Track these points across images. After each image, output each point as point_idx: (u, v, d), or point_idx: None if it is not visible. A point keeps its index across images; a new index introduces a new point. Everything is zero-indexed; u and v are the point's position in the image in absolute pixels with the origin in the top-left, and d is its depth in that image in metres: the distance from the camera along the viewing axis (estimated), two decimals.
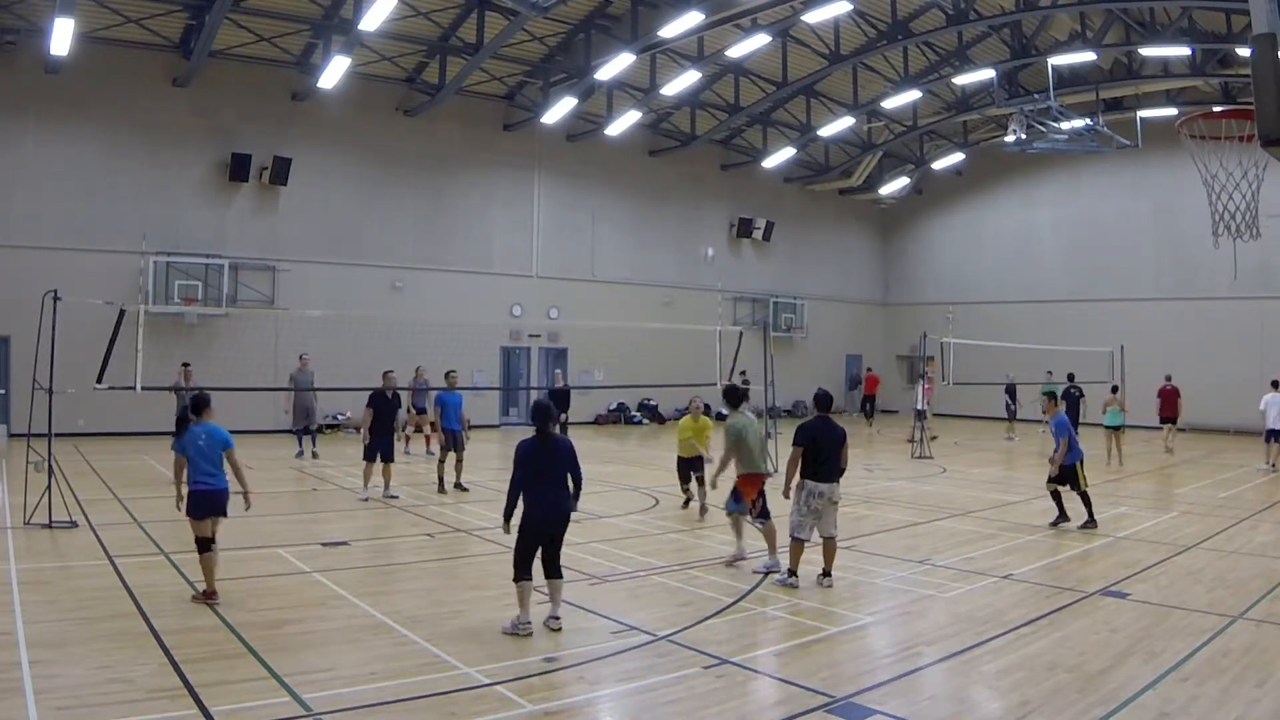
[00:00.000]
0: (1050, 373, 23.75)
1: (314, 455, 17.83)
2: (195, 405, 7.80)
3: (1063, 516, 11.60)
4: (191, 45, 20.54)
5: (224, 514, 7.65)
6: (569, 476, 6.97)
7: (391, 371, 14.09)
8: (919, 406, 23.16)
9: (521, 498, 6.84)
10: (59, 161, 20.56)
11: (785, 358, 29.05)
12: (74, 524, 10.37)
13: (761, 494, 9.33)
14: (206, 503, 7.48)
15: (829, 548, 8.46)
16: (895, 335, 35.81)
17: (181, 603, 7.43)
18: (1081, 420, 21.43)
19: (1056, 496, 11.72)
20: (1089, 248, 30.69)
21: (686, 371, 27.22)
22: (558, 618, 6.87)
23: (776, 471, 10.83)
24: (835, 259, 35.44)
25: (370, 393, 13.31)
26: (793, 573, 8.36)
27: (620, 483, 15.27)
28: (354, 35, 19.60)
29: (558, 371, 22.27)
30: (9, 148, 20.10)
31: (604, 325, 24.28)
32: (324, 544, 9.86)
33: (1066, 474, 11.57)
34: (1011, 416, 25.20)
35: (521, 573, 6.79)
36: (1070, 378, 22.33)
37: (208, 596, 7.38)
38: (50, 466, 10.55)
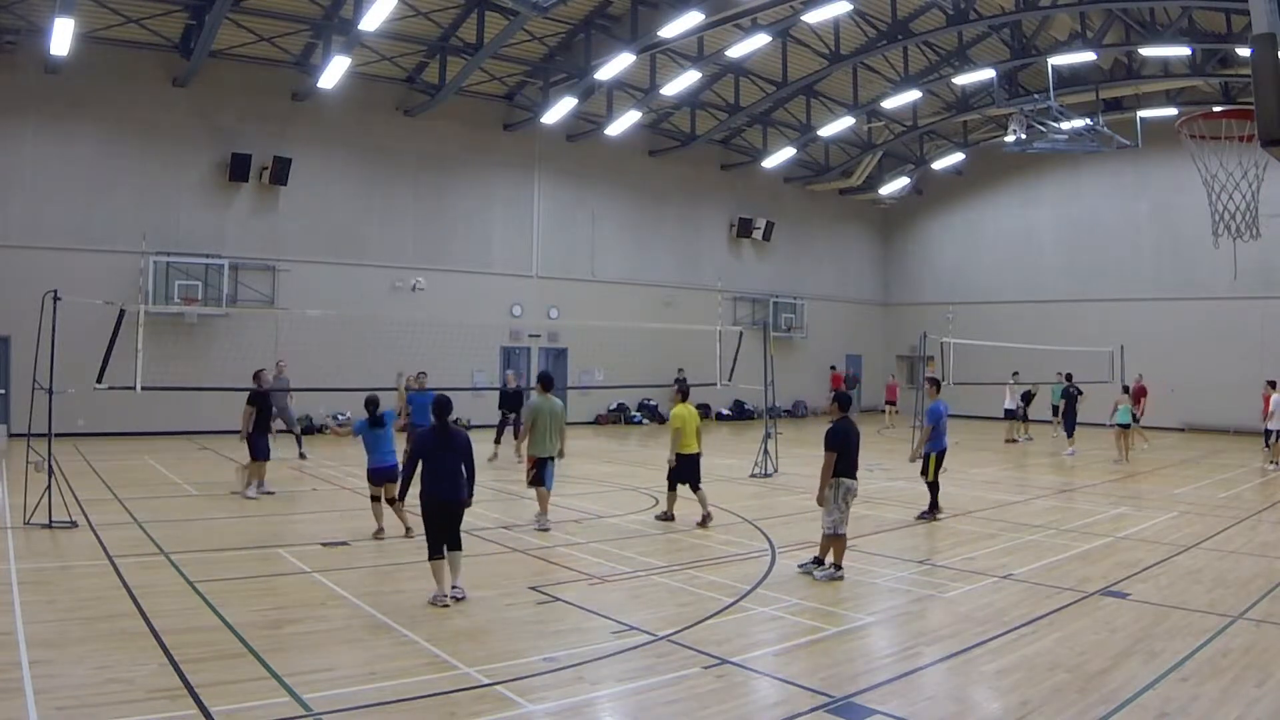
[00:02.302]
0: (1059, 373, 23.66)
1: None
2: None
3: (933, 508, 11.97)
4: (191, 45, 20.54)
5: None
6: (463, 467, 7.72)
7: (263, 370, 14.20)
8: (1008, 406, 23.35)
9: (421, 481, 7.67)
10: (59, 161, 20.57)
11: (785, 358, 29.05)
12: (74, 524, 10.36)
13: (536, 466, 10.96)
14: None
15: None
16: (895, 335, 35.81)
17: (181, 603, 7.43)
18: (1079, 420, 21.57)
19: (934, 488, 12.06)
20: (1089, 248, 30.68)
21: (686, 372, 27.33)
22: (458, 586, 7.60)
23: (562, 457, 11.39)
24: (835, 259, 35.43)
25: (250, 392, 13.45)
26: (838, 567, 8.58)
27: (620, 483, 15.26)
28: (354, 35, 19.60)
29: (510, 373, 21.73)
30: (9, 148, 20.10)
31: (604, 325, 24.26)
32: (324, 544, 9.86)
33: (924, 461, 11.93)
34: (1023, 418, 24.92)
35: (434, 552, 7.61)
36: (1069, 377, 22.34)
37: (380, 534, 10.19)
38: (50, 466, 10.54)
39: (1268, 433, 18.32)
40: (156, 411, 19.46)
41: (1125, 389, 20.20)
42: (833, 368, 32.64)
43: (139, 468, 15.85)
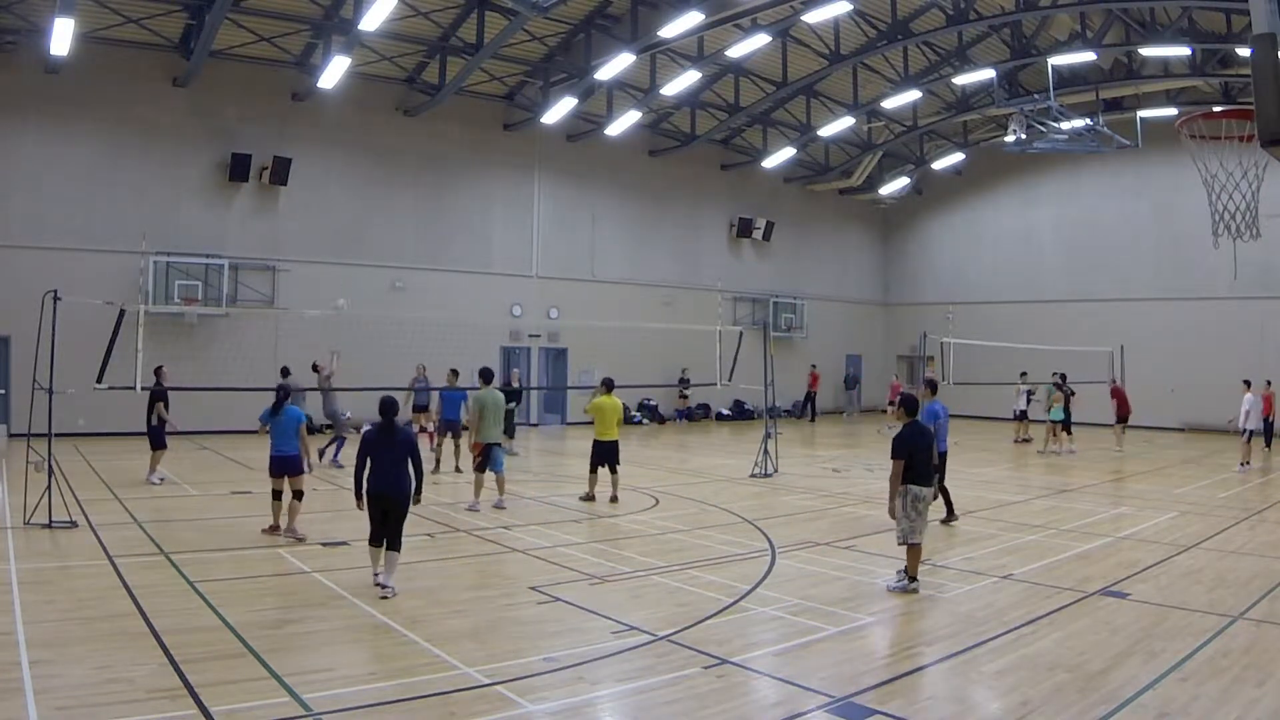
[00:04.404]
0: (1055, 374, 23.67)
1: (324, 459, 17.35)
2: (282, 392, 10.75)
3: (950, 514, 11.59)
4: (191, 45, 20.53)
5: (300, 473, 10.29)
6: (410, 463, 8.01)
7: (163, 367, 14.70)
8: (1019, 406, 23.48)
9: (366, 476, 7.96)
10: (59, 161, 20.55)
11: (785, 358, 29.03)
12: (74, 524, 10.36)
13: (483, 453, 12.22)
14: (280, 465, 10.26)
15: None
16: (895, 335, 35.81)
17: (181, 603, 7.43)
18: (1074, 419, 21.68)
19: (944, 493, 11.58)
20: (1089, 248, 30.67)
21: (688, 371, 27.34)
22: (387, 585, 7.73)
23: (510, 449, 12.49)
24: (835, 259, 35.42)
25: (154, 390, 14.10)
26: (913, 579, 8.21)
27: (620, 483, 15.23)
28: (354, 35, 19.59)
29: (515, 370, 22.36)
30: (9, 148, 20.08)
31: (604, 325, 24.26)
32: (324, 544, 9.85)
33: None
34: (1023, 417, 24.75)
35: (372, 540, 7.95)
36: (1063, 377, 22.33)
37: (273, 530, 10.15)
38: (50, 466, 10.54)
39: (1250, 432, 18.43)
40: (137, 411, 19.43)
41: (1058, 385, 21.49)
42: (813, 366, 32.19)
43: (139, 468, 15.80)
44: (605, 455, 13.03)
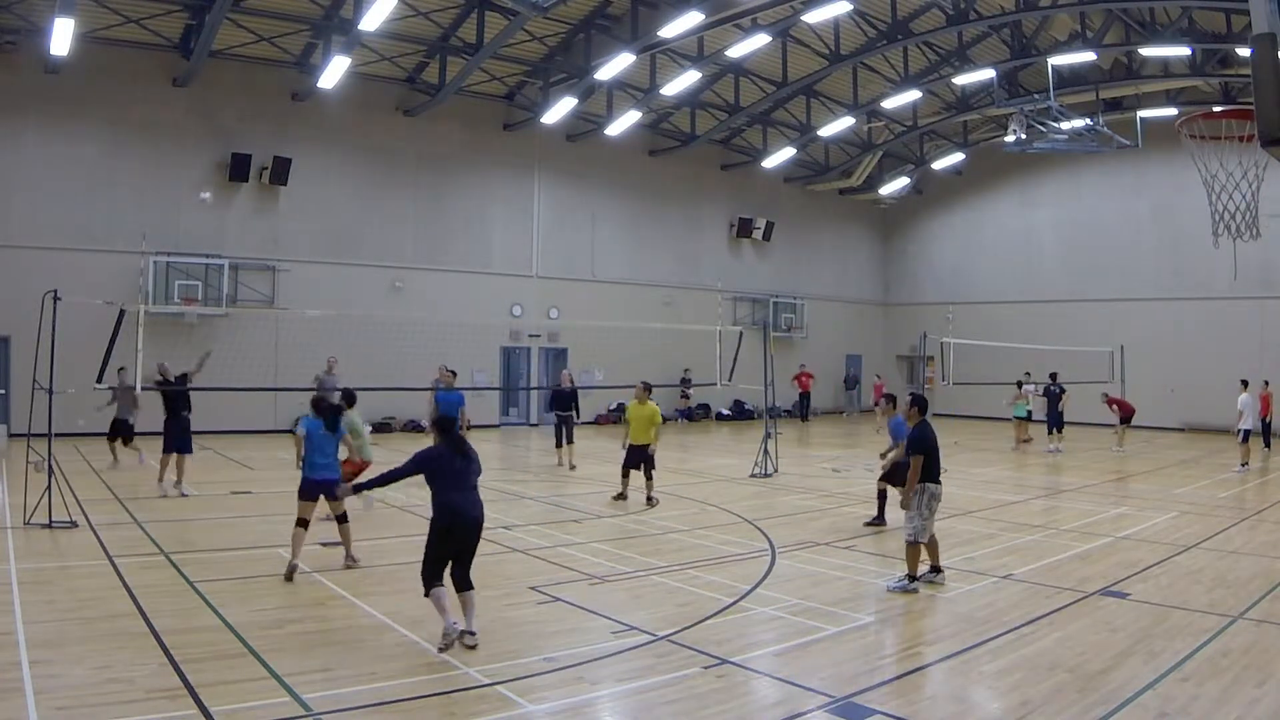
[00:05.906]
0: (1053, 375, 23.74)
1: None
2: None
3: (880, 518, 11.46)
4: (191, 45, 20.54)
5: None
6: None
7: (164, 363, 14.20)
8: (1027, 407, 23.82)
9: (435, 503, 6.60)
10: (59, 161, 20.54)
11: (785, 358, 29.05)
12: (74, 524, 10.36)
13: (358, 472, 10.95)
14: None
15: (934, 545, 8.51)
16: (895, 335, 35.80)
17: (181, 603, 7.43)
18: (1065, 420, 21.70)
19: (881, 496, 11.54)
20: (1089, 248, 30.66)
21: (688, 372, 27.35)
22: (474, 633, 6.44)
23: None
24: (835, 259, 35.42)
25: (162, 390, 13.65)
26: (914, 578, 8.20)
27: (620, 483, 15.23)
28: (354, 35, 19.60)
29: (565, 372, 22.06)
30: (9, 148, 20.08)
31: (604, 325, 24.26)
32: (324, 544, 9.84)
33: (899, 472, 10.74)
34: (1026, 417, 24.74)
35: (437, 582, 6.45)
36: (1053, 377, 22.35)
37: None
38: (50, 466, 10.54)
39: (1246, 432, 18.45)
40: (156, 411, 19.44)
41: (1019, 384, 22.54)
42: (802, 366, 31.88)
43: (139, 467, 15.84)
44: (634, 459, 13.24)
